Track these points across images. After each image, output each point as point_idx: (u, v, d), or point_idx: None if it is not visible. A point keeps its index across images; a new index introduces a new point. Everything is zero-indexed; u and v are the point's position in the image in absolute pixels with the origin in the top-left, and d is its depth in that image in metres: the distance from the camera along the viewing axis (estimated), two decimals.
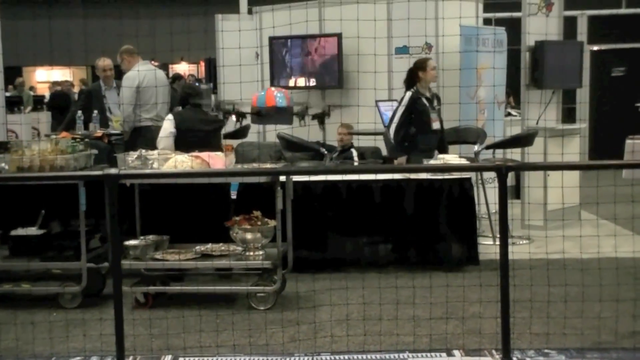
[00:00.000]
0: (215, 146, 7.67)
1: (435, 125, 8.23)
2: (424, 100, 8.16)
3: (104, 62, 9.83)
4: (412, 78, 8.20)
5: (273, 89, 8.34)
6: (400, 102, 8.21)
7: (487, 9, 10.46)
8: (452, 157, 8.09)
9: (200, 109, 8.03)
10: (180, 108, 8.11)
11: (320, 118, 8.70)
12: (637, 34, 14.57)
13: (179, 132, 7.75)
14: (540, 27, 9.29)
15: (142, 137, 8.88)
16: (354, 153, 9.05)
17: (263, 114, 8.17)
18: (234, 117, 8.33)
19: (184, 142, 7.56)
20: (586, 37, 10.13)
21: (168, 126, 7.81)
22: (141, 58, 9.23)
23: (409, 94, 8.13)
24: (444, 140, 8.46)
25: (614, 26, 14.34)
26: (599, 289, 6.12)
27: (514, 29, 9.89)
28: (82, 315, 6.27)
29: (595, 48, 14.34)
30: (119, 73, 9.80)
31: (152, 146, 8.09)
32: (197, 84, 17.05)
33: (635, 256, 7.27)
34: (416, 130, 8.15)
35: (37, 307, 6.46)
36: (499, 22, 10.36)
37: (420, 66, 8.21)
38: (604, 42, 14.34)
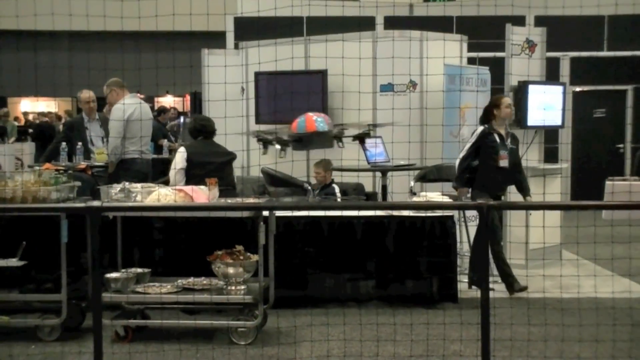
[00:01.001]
0: (227, 178, 7.75)
1: (503, 163, 7.98)
2: (495, 137, 8.02)
3: (87, 95, 9.84)
4: (487, 115, 8.13)
5: (311, 113, 8.27)
6: (471, 136, 8.18)
7: (471, 48, 10.53)
8: (434, 195, 8.10)
9: (212, 141, 8.07)
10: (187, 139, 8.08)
11: (362, 138, 8.62)
12: (618, 76, 14.74)
13: (192, 165, 7.77)
14: (523, 67, 9.37)
15: (127, 169, 8.89)
16: (336, 189, 9.04)
17: (304, 140, 8.12)
18: (277, 146, 8.19)
19: (196, 174, 7.57)
20: (568, 78, 10.22)
21: (180, 159, 7.83)
22: (128, 91, 9.25)
23: (480, 128, 8.06)
24: (521, 181, 8.17)
25: (595, 68, 14.49)
26: (579, 329, 6.14)
27: (497, 68, 9.96)
28: (61, 349, 6.22)
29: (578, 89, 14.48)
30: (101, 106, 9.81)
31: (138, 178, 8.10)
32: (181, 118, 17.10)
33: (615, 297, 7.30)
34: (480, 165, 8.03)
35: (15, 340, 6.38)
36: (483, 61, 10.43)
37: (494, 103, 8.13)
38: (586, 84, 14.50)
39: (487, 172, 7.97)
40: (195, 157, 7.80)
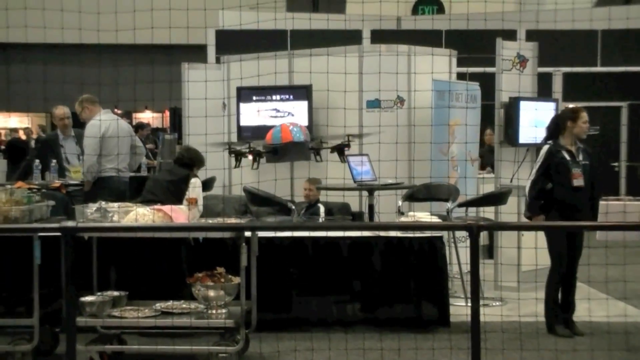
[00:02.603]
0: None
1: (577, 182, 7.25)
2: (564, 154, 7.33)
3: (62, 111, 9.69)
4: (556, 128, 7.49)
5: (287, 123, 8.09)
6: (537, 156, 7.60)
7: (460, 63, 10.41)
8: (423, 215, 7.94)
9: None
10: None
11: (340, 150, 8.42)
12: (612, 92, 14.67)
13: None
14: (514, 83, 9.23)
15: (104, 187, 8.77)
16: (321, 208, 8.89)
17: (279, 151, 7.93)
18: (250, 157, 7.99)
19: None
20: (561, 94, 10.11)
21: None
22: (102, 107, 9.08)
23: (546, 147, 7.40)
24: (593, 200, 7.45)
25: (588, 84, 14.42)
26: (573, 355, 6.03)
27: (487, 84, 9.82)
28: None
29: (571, 105, 14.38)
30: (76, 122, 9.62)
31: (115, 197, 7.97)
32: (159, 134, 16.91)
33: (610, 321, 7.18)
34: (554, 186, 7.38)
35: None
36: (473, 77, 10.31)
37: (571, 115, 7.47)
38: (579, 100, 14.40)
39: (561, 194, 7.32)
40: None
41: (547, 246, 7.36)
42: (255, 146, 8.10)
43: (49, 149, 9.73)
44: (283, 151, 7.94)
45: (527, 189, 7.42)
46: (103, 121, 8.77)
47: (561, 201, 7.27)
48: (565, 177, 7.27)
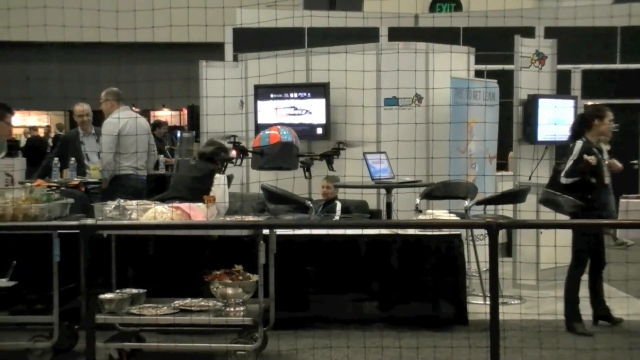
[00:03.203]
0: None
1: (607, 180, 7.34)
2: (596, 151, 7.32)
3: (81, 108, 9.71)
4: (582, 127, 7.48)
5: (278, 126, 8.00)
6: (570, 153, 7.41)
7: (478, 61, 10.36)
8: (441, 213, 7.91)
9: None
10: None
11: (329, 157, 8.36)
12: (632, 89, 14.55)
13: None
14: (533, 80, 9.18)
15: (121, 185, 8.74)
16: (338, 205, 8.87)
17: (265, 154, 7.83)
18: (233, 153, 7.86)
19: None
20: (580, 91, 10.05)
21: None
22: (124, 104, 9.08)
23: (580, 143, 7.33)
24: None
25: (608, 81, 14.31)
26: (592, 353, 5.99)
27: (506, 82, 9.77)
28: None
29: (590, 103, 14.28)
30: (97, 119, 9.62)
31: (132, 195, 7.96)
32: (177, 132, 16.90)
33: (630, 319, 7.12)
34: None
35: None
36: (491, 74, 10.25)
37: (597, 114, 7.45)
38: (598, 97, 14.30)
39: (597, 193, 7.27)
40: None
41: (572, 243, 7.32)
42: (240, 142, 7.99)
43: (69, 146, 9.74)
44: (270, 154, 7.78)
45: (562, 179, 7.30)
46: (120, 119, 8.76)
47: (597, 200, 7.23)
48: (598, 175, 7.25)
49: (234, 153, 7.95)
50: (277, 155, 7.80)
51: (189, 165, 8.75)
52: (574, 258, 7.29)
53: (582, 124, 7.47)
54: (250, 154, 7.97)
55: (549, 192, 7.35)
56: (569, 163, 7.30)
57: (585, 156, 7.11)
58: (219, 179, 7.61)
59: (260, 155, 7.82)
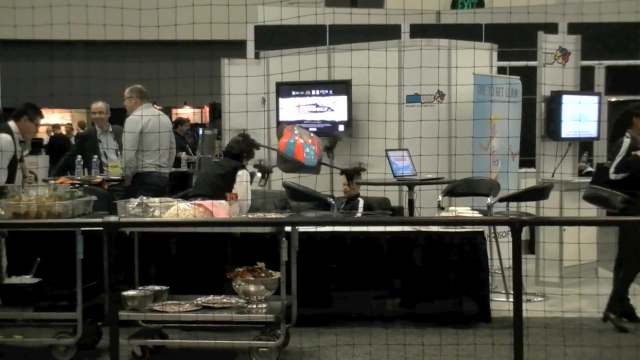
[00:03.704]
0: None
1: None
2: None
3: (96, 105, 9.74)
4: (624, 123, 7.56)
5: (301, 140, 7.99)
6: (617, 149, 7.46)
7: (501, 57, 10.31)
8: (464, 210, 7.88)
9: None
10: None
11: (350, 175, 8.41)
12: None
13: None
14: (556, 77, 9.14)
15: (144, 183, 8.76)
16: (360, 202, 8.85)
17: (288, 162, 7.86)
18: (258, 174, 7.91)
19: None
20: (604, 88, 9.99)
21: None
22: (147, 101, 9.10)
23: (627, 140, 7.42)
24: None
25: (632, 77, 14.19)
26: (617, 351, 5.97)
27: (529, 78, 9.72)
28: None
29: (613, 99, 14.19)
30: (119, 117, 9.63)
31: (155, 192, 7.97)
32: (199, 129, 16.91)
33: None
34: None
35: None
36: (514, 71, 10.21)
37: (637, 112, 7.53)
38: (622, 94, 14.18)
39: None
40: None
41: (620, 241, 7.28)
42: (264, 164, 8.03)
43: (87, 144, 9.77)
44: (292, 166, 7.84)
45: (610, 175, 7.32)
46: (143, 116, 8.77)
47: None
48: None
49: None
50: (298, 169, 7.86)
51: (212, 162, 8.75)
52: (628, 256, 7.22)
53: (624, 122, 7.52)
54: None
55: (594, 188, 7.37)
56: (617, 159, 7.35)
57: (633, 152, 7.17)
58: (242, 175, 7.60)
59: (284, 163, 7.85)
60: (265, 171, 7.92)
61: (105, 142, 9.68)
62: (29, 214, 6.37)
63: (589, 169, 10.32)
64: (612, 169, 7.30)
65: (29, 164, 8.09)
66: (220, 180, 7.60)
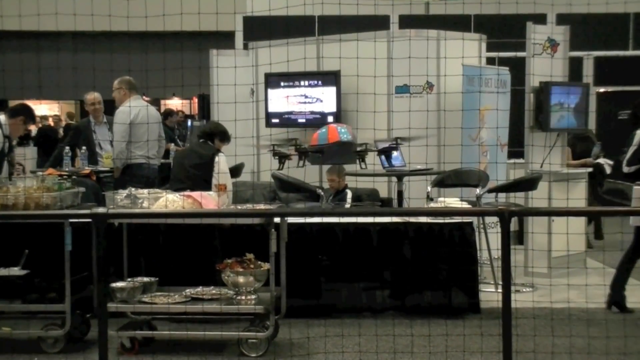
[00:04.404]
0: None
1: None
2: None
3: (92, 96, 9.69)
4: (637, 115, 7.75)
5: (334, 124, 8.02)
6: (632, 141, 7.62)
7: (490, 48, 10.31)
8: (453, 201, 7.89)
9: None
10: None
11: (387, 153, 8.38)
12: None
13: None
14: (545, 68, 9.15)
15: (133, 175, 8.74)
16: (349, 194, 8.85)
17: (325, 152, 7.85)
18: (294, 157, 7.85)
19: None
20: (592, 78, 10.02)
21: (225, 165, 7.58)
22: (136, 93, 9.06)
23: (639, 133, 7.56)
24: None
25: (620, 68, 14.23)
26: (606, 341, 5.98)
27: (518, 69, 9.73)
28: None
29: (602, 90, 14.21)
30: (109, 108, 9.61)
31: (144, 184, 7.96)
32: (188, 121, 16.89)
33: None
34: None
35: (17, 352, 6.22)
36: (503, 61, 10.21)
37: None
38: (611, 84, 14.21)
39: None
40: None
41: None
42: (301, 144, 8.01)
43: (81, 135, 9.74)
44: (329, 152, 7.83)
45: (624, 168, 7.44)
46: (132, 107, 8.75)
47: None
48: None
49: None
50: (336, 153, 7.86)
51: (186, 151, 8.62)
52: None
53: (636, 114, 7.63)
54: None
55: (611, 182, 7.40)
56: (630, 152, 7.42)
57: None
58: (220, 162, 7.48)
59: (319, 153, 7.85)
60: (284, 156, 7.92)
61: (100, 133, 9.64)
62: (17, 206, 6.36)
63: (601, 160, 10.25)
64: (624, 162, 7.34)
65: (17, 155, 8.04)
66: (198, 170, 7.48)
